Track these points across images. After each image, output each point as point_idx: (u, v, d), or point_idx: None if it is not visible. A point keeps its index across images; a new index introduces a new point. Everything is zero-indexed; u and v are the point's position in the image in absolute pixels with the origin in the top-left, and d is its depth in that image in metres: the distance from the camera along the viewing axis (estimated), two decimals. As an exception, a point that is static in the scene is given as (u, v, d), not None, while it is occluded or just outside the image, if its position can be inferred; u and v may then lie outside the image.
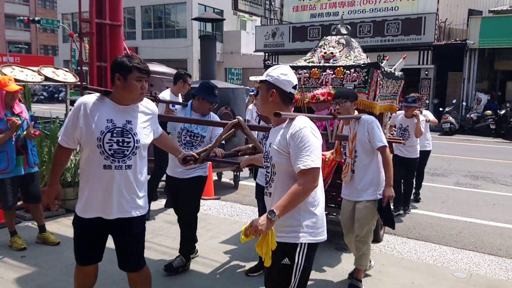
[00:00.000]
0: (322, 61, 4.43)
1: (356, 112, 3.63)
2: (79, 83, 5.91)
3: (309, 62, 4.46)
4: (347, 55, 4.40)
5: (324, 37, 4.75)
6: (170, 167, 3.80)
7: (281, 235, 2.16)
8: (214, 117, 3.86)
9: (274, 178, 2.24)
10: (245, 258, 4.03)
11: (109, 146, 2.45)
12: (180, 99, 5.01)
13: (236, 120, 3.10)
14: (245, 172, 7.67)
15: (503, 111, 15.66)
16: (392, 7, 18.65)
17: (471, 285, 3.65)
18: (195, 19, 7.43)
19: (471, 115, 16.13)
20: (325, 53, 4.48)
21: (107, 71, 5.27)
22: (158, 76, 6.03)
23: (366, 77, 3.97)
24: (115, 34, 5.39)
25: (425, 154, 6.22)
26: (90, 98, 2.50)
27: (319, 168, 2.13)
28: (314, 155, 2.09)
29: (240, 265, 3.92)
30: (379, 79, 3.99)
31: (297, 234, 2.16)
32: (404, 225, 5.36)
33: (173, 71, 6.25)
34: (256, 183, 3.84)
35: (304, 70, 4.28)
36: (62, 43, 34.06)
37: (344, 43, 4.54)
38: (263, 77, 2.26)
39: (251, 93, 10.04)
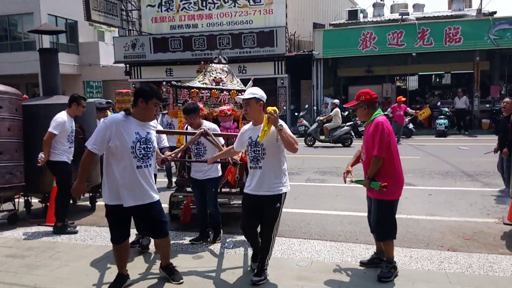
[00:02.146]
0: (214, 83, 5.63)
1: None
2: None
3: (203, 84, 5.60)
4: (231, 80, 5.82)
5: (211, 64, 5.97)
6: None
7: (274, 189, 3.72)
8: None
9: (265, 156, 3.70)
10: (98, 283, 3.86)
11: (139, 151, 3.42)
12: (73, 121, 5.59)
13: (203, 130, 4.46)
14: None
15: (346, 113, 17.78)
16: (247, 21, 19.78)
17: (311, 271, 4.09)
18: (32, 31, 6.83)
19: (321, 118, 17.94)
20: (215, 77, 5.70)
21: None
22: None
23: None
24: None
25: None
26: (118, 117, 3.43)
27: None
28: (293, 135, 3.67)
29: (91, 290, 3.75)
30: None
31: (281, 188, 3.76)
32: (260, 225, 5.73)
33: (6, 88, 5.67)
34: (192, 178, 4.92)
35: (206, 91, 5.44)
36: None
37: (227, 70, 5.92)
38: (251, 96, 3.70)
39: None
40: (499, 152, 6.89)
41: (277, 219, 3.80)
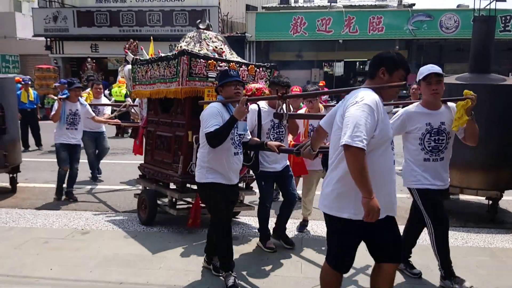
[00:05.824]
0: (216, 54, 4.58)
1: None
2: None
3: (203, 54, 4.49)
4: (230, 52, 4.81)
5: (204, 31, 4.79)
6: (225, 176, 3.35)
7: (448, 182, 3.31)
8: None
9: (447, 146, 3.21)
10: (21, 265, 3.74)
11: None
12: None
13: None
14: (25, 174, 6.94)
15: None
16: (178, -2, 19.31)
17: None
18: None
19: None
20: (215, 47, 4.65)
21: None
22: None
23: (269, 76, 4.73)
24: None
25: None
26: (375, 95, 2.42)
27: None
28: None
29: (13, 273, 3.61)
30: None
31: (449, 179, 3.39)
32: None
33: None
34: (266, 171, 3.99)
35: (224, 63, 4.41)
36: None
37: (222, 40, 4.88)
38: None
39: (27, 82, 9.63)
40: None
41: None
